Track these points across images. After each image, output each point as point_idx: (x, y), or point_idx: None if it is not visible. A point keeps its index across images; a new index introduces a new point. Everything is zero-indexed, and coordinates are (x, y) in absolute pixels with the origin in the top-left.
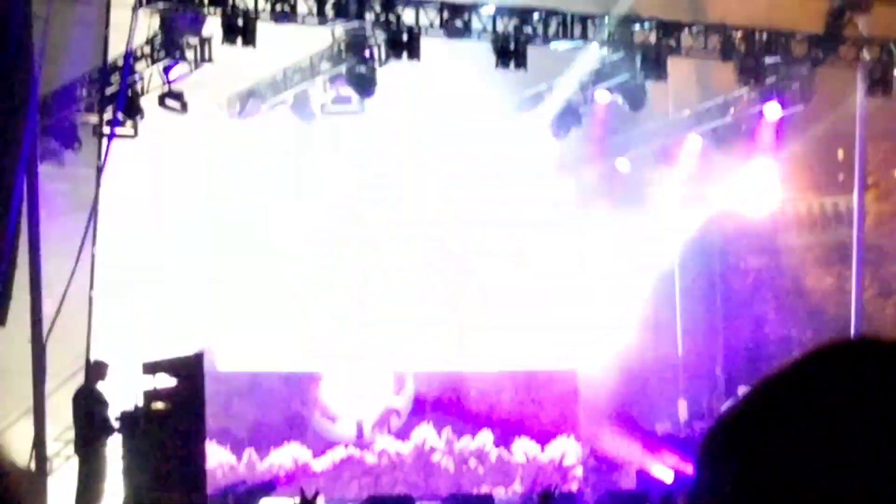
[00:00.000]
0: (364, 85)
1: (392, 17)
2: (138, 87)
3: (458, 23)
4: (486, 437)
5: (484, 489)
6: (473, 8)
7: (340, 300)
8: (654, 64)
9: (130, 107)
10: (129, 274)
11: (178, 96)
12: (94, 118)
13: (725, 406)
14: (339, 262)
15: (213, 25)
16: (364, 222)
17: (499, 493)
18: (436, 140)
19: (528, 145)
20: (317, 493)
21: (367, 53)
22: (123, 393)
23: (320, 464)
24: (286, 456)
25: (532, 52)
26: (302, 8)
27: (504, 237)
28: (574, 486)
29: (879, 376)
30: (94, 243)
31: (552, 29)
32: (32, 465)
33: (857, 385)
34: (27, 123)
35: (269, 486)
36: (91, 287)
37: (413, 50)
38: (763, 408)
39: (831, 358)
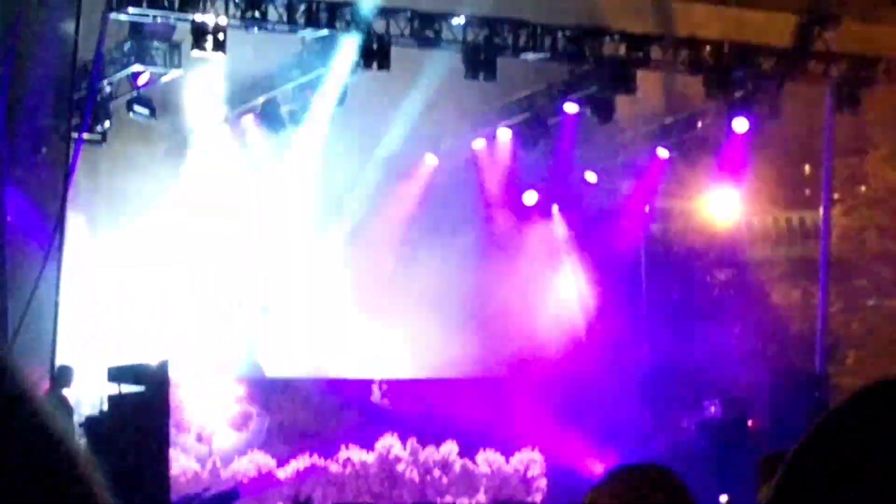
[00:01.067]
0: (333, 94)
1: (362, 27)
2: (107, 92)
3: (429, 32)
4: (450, 447)
5: (448, 499)
6: (444, 18)
7: (312, 307)
8: (623, 77)
9: (99, 112)
10: (97, 281)
11: (146, 103)
12: (62, 123)
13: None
14: (297, 271)
15: (183, 31)
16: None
17: (462, 503)
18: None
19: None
20: (309, 497)
21: (336, 62)
22: (89, 399)
23: (284, 472)
24: (250, 464)
25: (502, 62)
26: (272, 15)
27: (467, 245)
28: (538, 498)
29: None
30: (60, 249)
31: (522, 40)
32: None
33: None
34: None
35: (232, 494)
36: (57, 293)
37: (383, 60)
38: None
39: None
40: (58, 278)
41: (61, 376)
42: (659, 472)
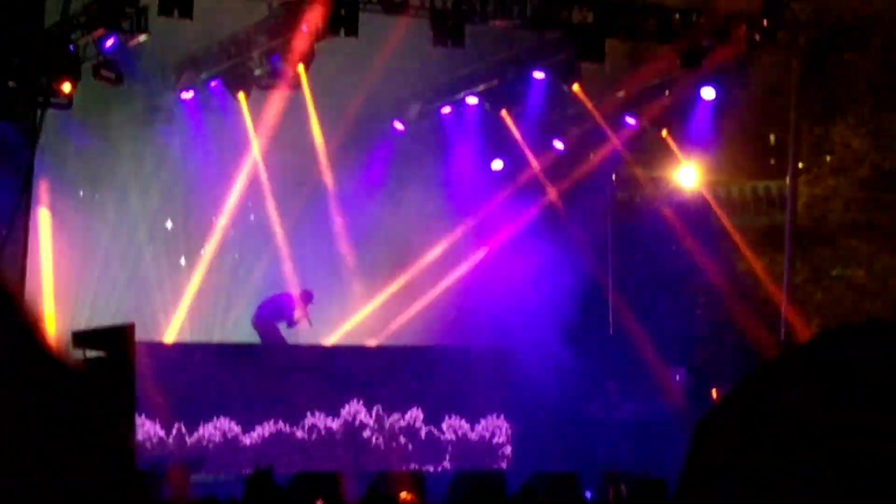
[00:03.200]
0: (301, 59)
1: None
2: (73, 57)
3: None
4: (416, 414)
5: (413, 466)
6: None
7: (278, 272)
8: (592, 45)
9: (64, 77)
10: (62, 244)
11: (113, 67)
12: (28, 88)
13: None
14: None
15: None
16: (290, 196)
17: (428, 470)
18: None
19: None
20: (271, 465)
21: (304, 27)
22: None
23: (250, 438)
24: (215, 430)
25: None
26: None
27: (434, 215)
28: (503, 465)
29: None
30: (27, 213)
31: (490, 6)
32: None
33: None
34: None
35: (198, 461)
36: (24, 256)
37: (351, 25)
38: (762, 389)
39: (836, 339)
40: (24, 244)
41: None
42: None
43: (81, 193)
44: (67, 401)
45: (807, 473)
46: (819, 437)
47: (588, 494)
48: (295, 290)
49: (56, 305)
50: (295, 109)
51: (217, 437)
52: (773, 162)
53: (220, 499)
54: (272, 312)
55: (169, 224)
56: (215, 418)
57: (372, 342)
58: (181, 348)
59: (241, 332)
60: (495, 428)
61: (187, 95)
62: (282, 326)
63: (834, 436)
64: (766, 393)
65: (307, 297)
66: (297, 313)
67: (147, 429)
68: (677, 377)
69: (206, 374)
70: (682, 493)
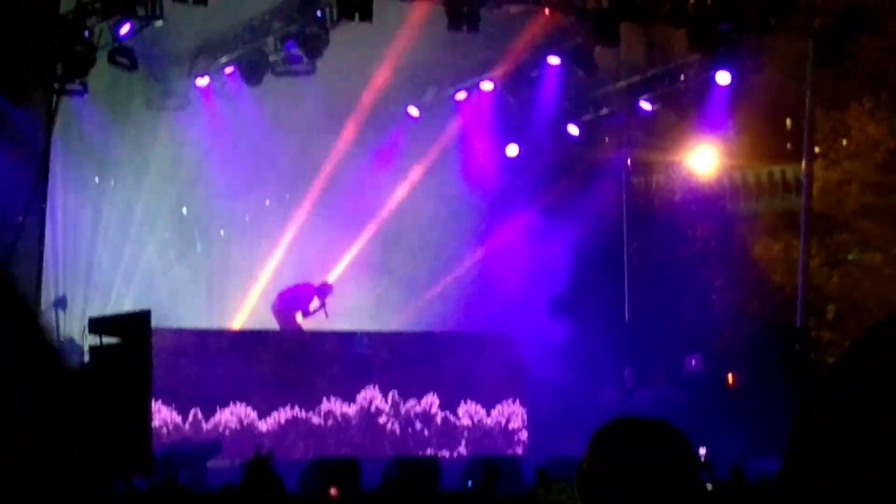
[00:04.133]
0: (315, 45)
1: None
2: (88, 43)
3: None
4: (431, 400)
5: (429, 452)
6: None
7: (294, 256)
8: (606, 29)
9: (80, 63)
10: (79, 231)
11: (128, 53)
12: (44, 74)
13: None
14: (278, 224)
15: None
16: (304, 182)
17: (444, 455)
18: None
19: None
20: (270, 451)
21: (318, 13)
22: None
23: (266, 424)
24: (231, 416)
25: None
26: None
27: (450, 201)
28: (519, 450)
29: None
30: (44, 199)
31: None
32: None
33: None
34: None
35: (215, 446)
36: (41, 243)
37: (365, 11)
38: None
39: None
40: (41, 229)
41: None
42: (662, 428)
43: (97, 179)
44: (69, 406)
45: None
46: None
47: None
48: (313, 277)
49: (72, 292)
50: (310, 95)
51: (233, 423)
52: (788, 146)
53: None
54: (290, 301)
55: (185, 210)
56: (232, 404)
57: (388, 328)
58: (197, 334)
59: (258, 318)
60: (511, 413)
61: (202, 82)
62: (298, 315)
63: None
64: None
65: (326, 289)
66: (314, 304)
67: (164, 415)
68: (693, 363)
69: (223, 361)
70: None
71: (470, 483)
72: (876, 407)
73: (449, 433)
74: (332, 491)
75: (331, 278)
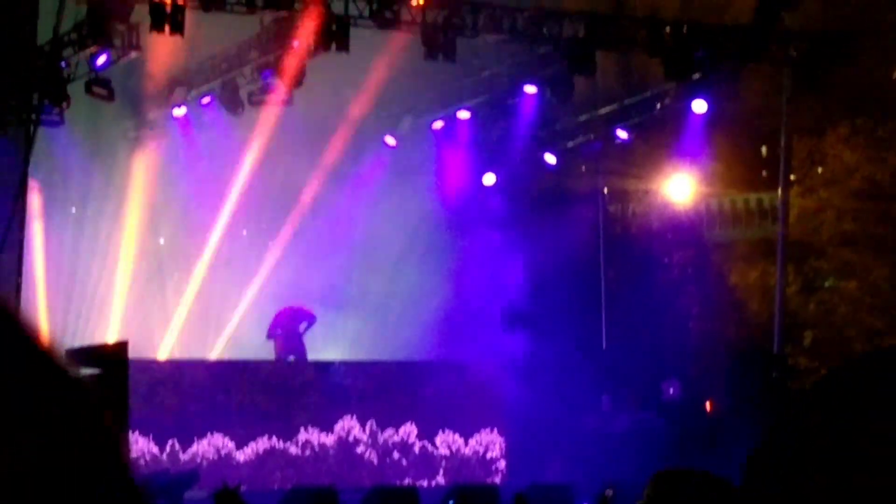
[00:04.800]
0: (291, 75)
1: (321, 7)
2: (65, 73)
3: (388, 13)
4: (409, 429)
5: (407, 481)
6: None
7: (274, 289)
8: (582, 58)
9: (57, 93)
10: (56, 262)
11: (105, 84)
12: (20, 105)
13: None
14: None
15: (141, 13)
16: (282, 212)
17: (422, 485)
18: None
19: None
20: (238, 484)
21: (295, 43)
22: None
23: (243, 454)
24: (209, 446)
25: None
26: None
27: (426, 229)
28: (497, 479)
29: None
30: (21, 229)
31: (481, 21)
32: None
33: None
34: None
35: (192, 477)
36: (19, 274)
37: (342, 40)
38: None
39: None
40: (19, 259)
41: None
42: (723, 486)
43: (74, 209)
44: (70, 406)
45: None
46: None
47: None
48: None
49: (49, 321)
50: (286, 125)
51: (211, 454)
52: (765, 174)
53: None
54: (290, 319)
55: (161, 240)
56: (209, 434)
57: (365, 357)
58: (174, 365)
59: (234, 348)
60: (489, 442)
61: (179, 112)
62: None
63: None
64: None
65: (311, 318)
66: (302, 326)
67: (141, 445)
68: (671, 390)
69: (200, 391)
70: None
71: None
72: (866, 407)
73: (427, 462)
74: None
75: (307, 306)
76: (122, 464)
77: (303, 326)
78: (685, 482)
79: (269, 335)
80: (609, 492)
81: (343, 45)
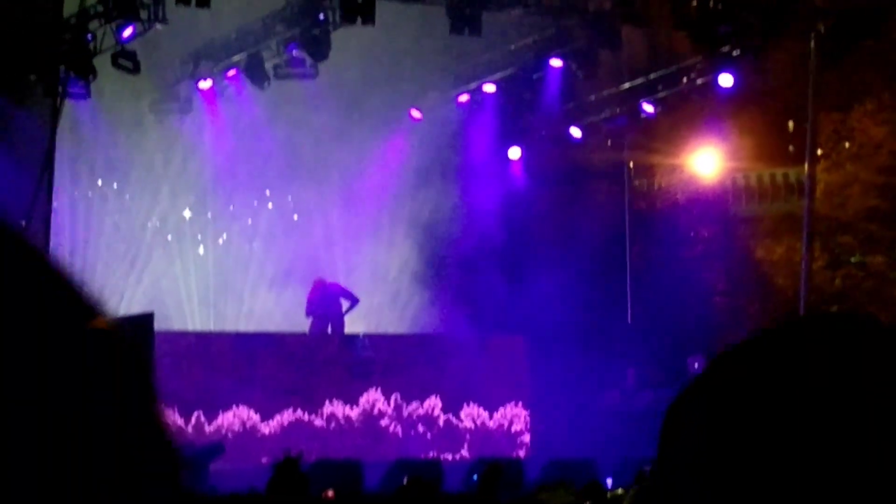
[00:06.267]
0: (317, 48)
1: None
2: (90, 46)
3: None
4: (434, 403)
5: (431, 455)
6: None
7: (299, 262)
8: (608, 31)
9: (83, 66)
10: (82, 235)
11: (131, 56)
12: (46, 77)
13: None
14: (283, 225)
15: None
16: (307, 185)
17: (446, 458)
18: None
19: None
20: (300, 453)
21: (321, 16)
22: None
23: (268, 427)
24: (234, 418)
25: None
26: None
27: (451, 203)
28: (522, 453)
29: (828, 355)
30: (48, 202)
31: None
32: None
33: (805, 365)
34: None
35: (217, 449)
36: (45, 246)
37: (368, 14)
38: (718, 384)
39: (783, 336)
40: (46, 233)
41: None
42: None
43: (99, 182)
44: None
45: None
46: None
47: (609, 481)
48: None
49: None
50: (312, 98)
51: (236, 426)
52: (791, 149)
53: (240, 487)
54: (331, 302)
55: (187, 213)
56: (234, 407)
57: (390, 330)
58: (200, 337)
59: (261, 321)
60: (513, 416)
61: (205, 85)
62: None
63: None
64: (736, 378)
65: (352, 300)
66: (345, 306)
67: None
68: (696, 365)
69: (225, 363)
70: (660, 475)
71: (476, 477)
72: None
73: (451, 436)
74: (329, 493)
75: (330, 280)
76: (160, 419)
77: (345, 306)
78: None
79: (308, 312)
80: (646, 469)
81: (369, 19)
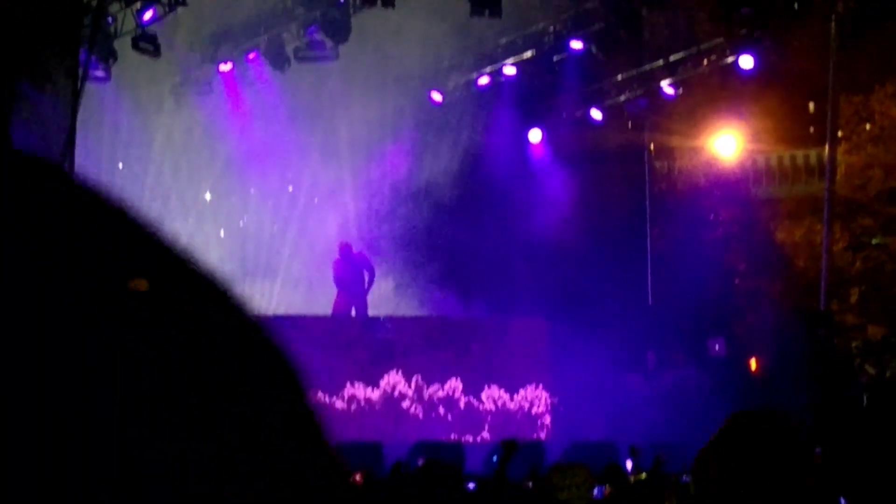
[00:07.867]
0: (338, 31)
1: None
2: (111, 29)
3: None
4: (455, 385)
5: (452, 436)
6: None
7: (320, 242)
8: (629, 14)
9: (104, 49)
10: None
11: (151, 39)
12: (66, 60)
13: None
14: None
15: None
16: (327, 168)
17: (467, 440)
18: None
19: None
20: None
21: None
22: None
23: None
24: None
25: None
26: None
27: (471, 186)
28: (543, 435)
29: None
30: None
31: None
32: None
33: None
34: None
35: None
36: None
37: None
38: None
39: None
40: None
41: None
42: (773, 421)
43: (121, 166)
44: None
45: None
46: None
47: (628, 463)
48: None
49: None
50: (332, 81)
51: None
52: (812, 130)
53: None
54: (354, 276)
55: (208, 195)
56: None
57: (410, 313)
58: None
59: (280, 303)
60: (534, 398)
61: (225, 67)
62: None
63: None
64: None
65: (370, 271)
66: (366, 281)
67: None
68: (716, 347)
69: None
70: None
71: (495, 458)
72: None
73: (472, 418)
74: (357, 477)
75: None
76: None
77: (366, 280)
78: (763, 422)
79: (335, 278)
80: (662, 456)
81: (389, 1)
